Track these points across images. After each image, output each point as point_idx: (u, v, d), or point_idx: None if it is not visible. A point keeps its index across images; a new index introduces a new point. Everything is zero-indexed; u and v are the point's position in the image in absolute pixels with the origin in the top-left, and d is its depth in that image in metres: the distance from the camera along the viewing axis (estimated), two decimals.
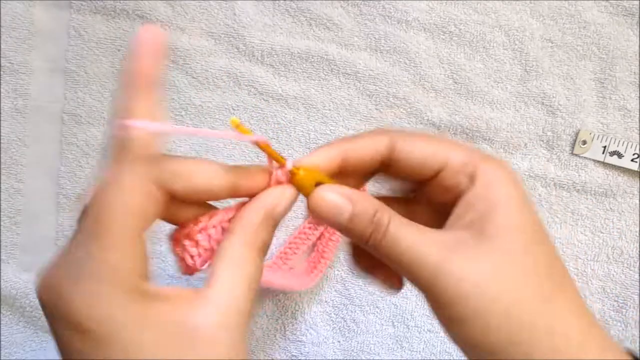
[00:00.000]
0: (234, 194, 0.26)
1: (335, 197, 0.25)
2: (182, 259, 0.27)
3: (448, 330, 0.25)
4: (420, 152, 0.26)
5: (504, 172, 0.25)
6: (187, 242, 0.26)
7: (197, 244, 0.26)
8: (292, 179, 0.26)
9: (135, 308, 0.22)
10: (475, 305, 0.23)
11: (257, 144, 0.26)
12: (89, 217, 0.24)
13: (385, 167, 0.27)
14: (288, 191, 0.26)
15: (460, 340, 0.25)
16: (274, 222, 0.26)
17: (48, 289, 0.23)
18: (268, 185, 0.26)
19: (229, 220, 0.26)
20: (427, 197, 0.28)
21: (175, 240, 0.27)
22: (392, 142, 0.27)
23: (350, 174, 0.28)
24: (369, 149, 0.27)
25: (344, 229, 0.26)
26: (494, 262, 0.24)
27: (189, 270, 0.27)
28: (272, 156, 0.26)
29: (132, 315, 0.22)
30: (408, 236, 0.25)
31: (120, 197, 0.23)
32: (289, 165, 0.26)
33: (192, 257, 0.26)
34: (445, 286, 0.24)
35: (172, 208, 0.26)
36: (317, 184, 0.26)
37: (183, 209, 0.27)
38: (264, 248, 0.26)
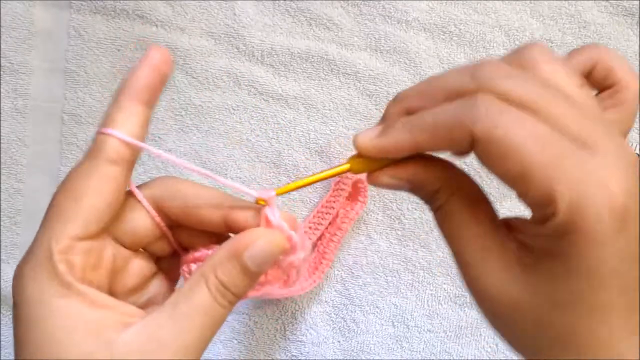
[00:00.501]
0: (227, 224, 0.27)
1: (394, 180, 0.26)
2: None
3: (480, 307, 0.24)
4: (504, 169, 0.21)
5: (598, 213, 0.19)
6: (184, 268, 0.27)
7: (190, 271, 0.27)
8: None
9: (57, 296, 0.23)
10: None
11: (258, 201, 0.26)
12: (48, 205, 0.25)
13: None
14: (269, 236, 0.25)
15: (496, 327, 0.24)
16: (242, 266, 0.25)
17: (15, 277, 0.25)
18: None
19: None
20: None
21: (183, 262, 0.28)
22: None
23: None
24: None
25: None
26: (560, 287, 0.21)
27: None
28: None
29: (50, 304, 0.23)
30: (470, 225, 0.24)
31: (74, 189, 0.25)
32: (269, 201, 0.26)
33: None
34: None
35: (183, 235, 0.28)
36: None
37: (194, 237, 0.28)
38: (223, 291, 0.25)
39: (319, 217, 0.48)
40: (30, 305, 0.23)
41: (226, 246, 0.25)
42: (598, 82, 0.29)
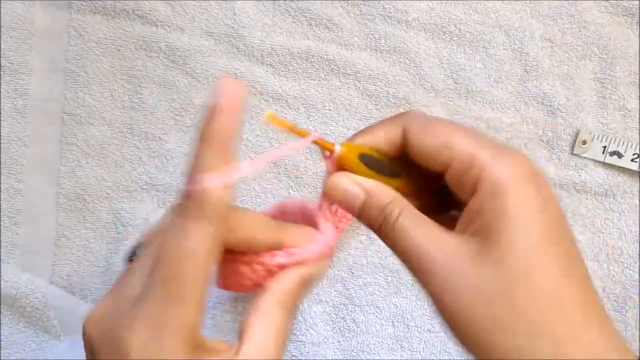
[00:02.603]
0: (274, 249, 0.28)
1: (349, 185, 0.26)
2: (226, 276, 0.29)
3: (450, 329, 0.25)
4: (429, 144, 0.25)
5: (515, 172, 0.24)
6: (242, 267, 0.28)
7: (250, 271, 0.28)
8: (332, 157, 0.27)
9: (188, 357, 0.23)
10: (480, 313, 0.23)
11: (315, 142, 0.28)
12: (159, 269, 0.24)
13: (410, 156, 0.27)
14: (323, 262, 0.29)
15: (463, 341, 0.24)
16: (307, 287, 0.28)
17: (98, 324, 0.25)
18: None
19: (278, 266, 0.28)
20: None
21: (235, 260, 0.28)
22: (405, 131, 0.26)
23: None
24: (384, 142, 0.27)
25: (355, 215, 0.27)
26: (501, 272, 0.23)
27: (227, 287, 0.29)
28: (323, 146, 0.28)
29: None
30: (417, 234, 0.25)
31: (192, 258, 0.24)
32: (337, 149, 0.27)
33: (249, 279, 0.28)
34: (450, 295, 0.24)
35: None
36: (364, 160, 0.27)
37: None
38: (294, 310, 0.28)
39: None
40: None
41: (293, 275, 0.28)
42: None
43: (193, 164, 0.24)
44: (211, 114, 0.24)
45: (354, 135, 0.28)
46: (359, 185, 0.26)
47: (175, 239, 0.24)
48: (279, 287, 0.27)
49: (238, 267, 0.28)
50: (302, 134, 0.27)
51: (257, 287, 0.28)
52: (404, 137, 0.26)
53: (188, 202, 0.24)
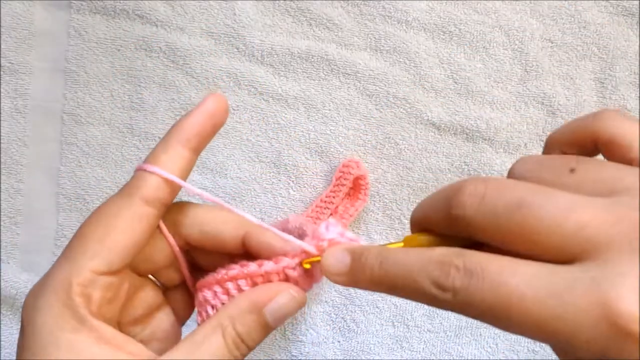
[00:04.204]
0: (246, 246, 0.26)
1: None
2: (202, 311, 0.27)
3: None
4: None
5: None
6: (201, 295, 0.26)
7: (215, 295, 0.26)
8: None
9: (66, 328, 0.23)
10: None
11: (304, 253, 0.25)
12: (72, 236, 0.25)
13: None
14: (291, 292, 0.25)
15: None
16: (261, 320, 0.24)
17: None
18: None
19: (250, 280, 0.25)
20: None
21: (199, 286, 0.27)
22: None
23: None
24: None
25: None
26: None
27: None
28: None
29: (59, 337, 0.23)
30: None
31: (103, 224, 0.24)
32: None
33: (212, 307, 0.26)
34: None
35: (198, 256, 0.28)
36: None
37: (208, 258, 0.28)
38: (239, 344, 0.24)
39: (317, 211, 0.48)
40: (39, 335, 0.23)
41: (246, 298, 0.24)
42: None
43: (150, 152, 0.26)
44: (184, 116, 0.26)
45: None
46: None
47: (95, 210, 0.25)
48: (224, 310, 0.24)
49: (202, 296, 0.26)
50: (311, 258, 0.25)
51: None
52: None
53: (130, 180, 0.25)
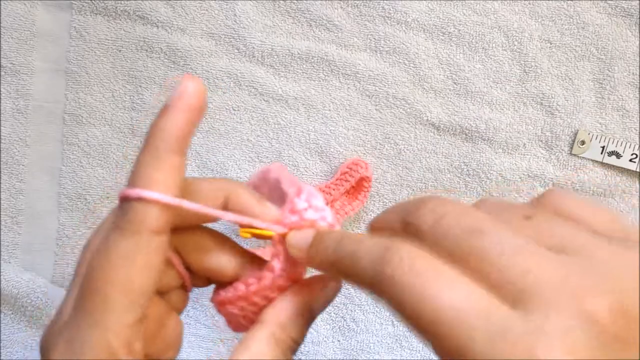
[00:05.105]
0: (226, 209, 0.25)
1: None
2: (232, 320, 0.26)
3: None
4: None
5: None
6: (236, 307, 0.25)
7: (243, 307, 0.25)
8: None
9: None
10: None
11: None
12: (83, 290, 0.22)
13: None
14: (331, 285, 0.24)
15: None
16: (309, 319, 0.24)
17: (42, 340, 0.23)
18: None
19: (278, 288, 0.24)
20: None
21: (222, 303, 0.26)
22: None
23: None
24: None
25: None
26: None
27: (240, 328, 0.26)
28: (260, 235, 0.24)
29: None
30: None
31: (116, 278, 0.21)
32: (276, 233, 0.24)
33: (244, 317, 0.25)
34: None
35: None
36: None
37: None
38: (293, 347, 0.24)
39: None
40: None
41: (292, 302, 0.24)
42: None
43: (134, 166, 0.22)
44: (161, 113, 0.22)
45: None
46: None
47: (101, 256, 0.22)
48: (272, 320, 0.23)
49: (227, 310, 0.25)
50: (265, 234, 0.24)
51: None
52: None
53: (120, 212, 0.22)
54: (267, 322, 0.23)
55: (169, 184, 0.21)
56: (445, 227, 0.18)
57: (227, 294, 0.25)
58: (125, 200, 0.21)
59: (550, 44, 0.51)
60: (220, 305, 0.26)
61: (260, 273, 0.24)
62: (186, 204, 0.22)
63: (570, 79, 0.51)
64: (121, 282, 0.21)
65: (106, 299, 0.21)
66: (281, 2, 0.50)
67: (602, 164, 0.50)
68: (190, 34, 0.50)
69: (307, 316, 0.24)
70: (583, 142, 0.50)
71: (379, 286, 0.18)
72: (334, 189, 0.48)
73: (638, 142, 0.50)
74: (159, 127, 0.22)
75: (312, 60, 0.50)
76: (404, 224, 0.20)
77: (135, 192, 0.21)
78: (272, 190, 0.27)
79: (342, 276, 0.21)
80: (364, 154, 0.50)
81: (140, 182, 0.21)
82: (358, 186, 0.49)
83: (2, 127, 0.50)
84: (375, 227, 0.22)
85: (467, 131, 0.50)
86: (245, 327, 0.26)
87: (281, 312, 0.23)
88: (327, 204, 0.47)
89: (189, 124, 0.22)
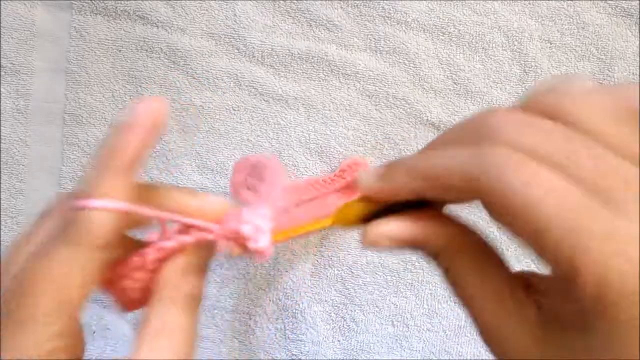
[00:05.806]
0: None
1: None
2: (123, 296, 0.25)
3: None
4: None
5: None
6: (128, 280, 0.25)
7: (132, 282, 0.25)
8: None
9: None
10: None
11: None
12: (15, 293, 0.22)
13: None
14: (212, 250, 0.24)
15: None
16: (200, 272, 0.24)
17: None
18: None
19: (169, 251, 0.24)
20: None
21: (112, 280, 0.25)
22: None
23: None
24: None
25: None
26: None
27: (131, 308, 0.26)
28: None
29: None
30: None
31: (49, 289, 0.21)
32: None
33: (134, 290, 0.25)
34: None
35: None
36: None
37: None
38: (194, 300, 0.24)
39: (306, 187, 0.48)
40: None
41: (179, 263, 0.24)
42: None
43: (83, 179, 0.22)
44: (116, 131, 0.22)
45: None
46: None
47: (42, 263, 0.22)
48: (164, 286, 0.23)
49: (121, 283, 0.25)
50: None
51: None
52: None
53: (64, 223, 0.22)
54: (160, 289, 0.24)
55: (114, 196, 0.22)
56: (535, 131, 0.18)
57: (120, 266, 0.25)
58: (71, 210, 0.22)
59: (550, 44, 0.51)
60: (113, 282, 0.25)
61: (159, 244, 0.24)
62: (138, 209, 0.22)
63: None
64: (57, 299, 0.21)
65: (32, 312, 0.21)
66: (281, 2, 0.50)
67: None
68: (190, 34, 0.50)
69: (197, 269, 0.24)
70: None
71: (486, 184, 0.18)
72: (328, 184, 0.48)
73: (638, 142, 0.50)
74: (109, 147, 0.22)
75: (312, 60, 0.50)
76: (478, 138, 0.19)
77: (80, 202, 0.21)
78: (254, 177, 0.27)
79: (435, 191, 0.20)
80: (364, 154, 0.50)
81: (87, 195, 0.22)
82: (355, 185, 0.49)
83: (2, 127, 0.50)
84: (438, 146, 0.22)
85: None
86: (138, 303, 0.25)
87: (168, 276, 0.24)
88: (318, 197, 0.46)
89: (140, 145, 0.22)
